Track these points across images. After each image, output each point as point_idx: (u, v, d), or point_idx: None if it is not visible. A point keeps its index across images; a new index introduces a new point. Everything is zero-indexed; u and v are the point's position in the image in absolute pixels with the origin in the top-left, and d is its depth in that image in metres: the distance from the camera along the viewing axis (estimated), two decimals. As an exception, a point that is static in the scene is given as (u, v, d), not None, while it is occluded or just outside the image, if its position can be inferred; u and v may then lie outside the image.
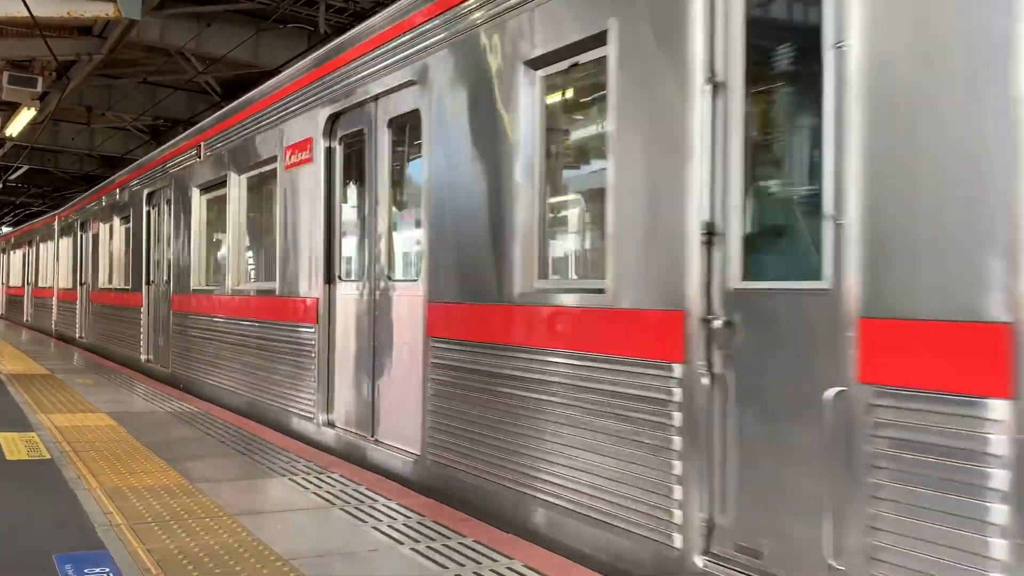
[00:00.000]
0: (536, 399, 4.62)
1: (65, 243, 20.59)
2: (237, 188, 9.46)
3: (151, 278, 12.84)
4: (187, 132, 11.57)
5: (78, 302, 18.39)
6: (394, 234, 6.54)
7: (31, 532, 4.43)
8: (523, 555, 4.16)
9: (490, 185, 5.06)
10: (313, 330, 7.23)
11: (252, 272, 9.65)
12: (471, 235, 5.21)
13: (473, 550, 4.24)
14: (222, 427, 7.77)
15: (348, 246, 7.20)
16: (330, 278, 7.16)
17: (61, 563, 3.91)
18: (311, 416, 7.25)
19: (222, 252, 10.18)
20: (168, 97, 20.06)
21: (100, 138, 24.50)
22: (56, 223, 21.66)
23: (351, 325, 6.85)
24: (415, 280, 5.99)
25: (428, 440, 5.54)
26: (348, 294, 6.94)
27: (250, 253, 9.77)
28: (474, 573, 3.91)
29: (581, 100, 5.04)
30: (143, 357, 13.06)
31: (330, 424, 7.06)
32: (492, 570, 3.96)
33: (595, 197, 4.73)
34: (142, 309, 13.07)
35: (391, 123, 6.36)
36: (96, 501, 5.04)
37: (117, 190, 15.08)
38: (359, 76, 6.58)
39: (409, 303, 6.00)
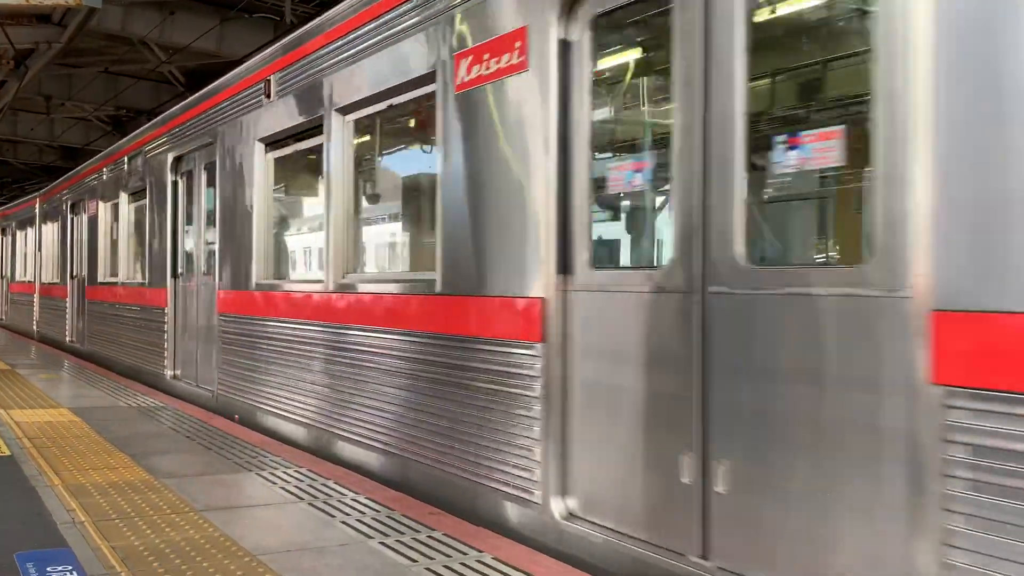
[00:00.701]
0: None
1: (50, 229, 17.90)
2: (342, 134, 6.61)
3: (179, 269, 10.29)
4: (245, 65, 8.44)
5: (69, 299, 15.88)
6: (755, 180, 3.72)
7: (-9, 530, 4.36)
8: (492, 548, 4.17)
9: None
10: (535, 352, 4.46)
11: (376, 258, 7.23)
12: None
13: (442, 543, 4.24)
14: (188, 422, 7.68)
15: (613, 206, 4.61)
16: (566, 266, 4.40)
17: (22, 562, 3.84)
18: (529, 496, 4.47)
19: (314, 231, 7.55)
20: (130, 87, 19.78)
21: (60, 128, 24.12)
22: (37, 207, 19.17)
23: (630, 346, 4.02)
24: (853, 267, 3.17)
25: None
26: (619, 293, 4.11)
27: (371, 229, 7.06)
28: (444, 566, 3.91)
29: None
30: (168, 372, 10.34)
31: (573, 516, 4.32)
32: (462, 563, 3.96)
33: None
34: (166, 310, 10.37)
35: None
36: (58, 498, 4.96)
37: (125, 159, 12.36)
38: None
39: (836, 310, 3.16)
